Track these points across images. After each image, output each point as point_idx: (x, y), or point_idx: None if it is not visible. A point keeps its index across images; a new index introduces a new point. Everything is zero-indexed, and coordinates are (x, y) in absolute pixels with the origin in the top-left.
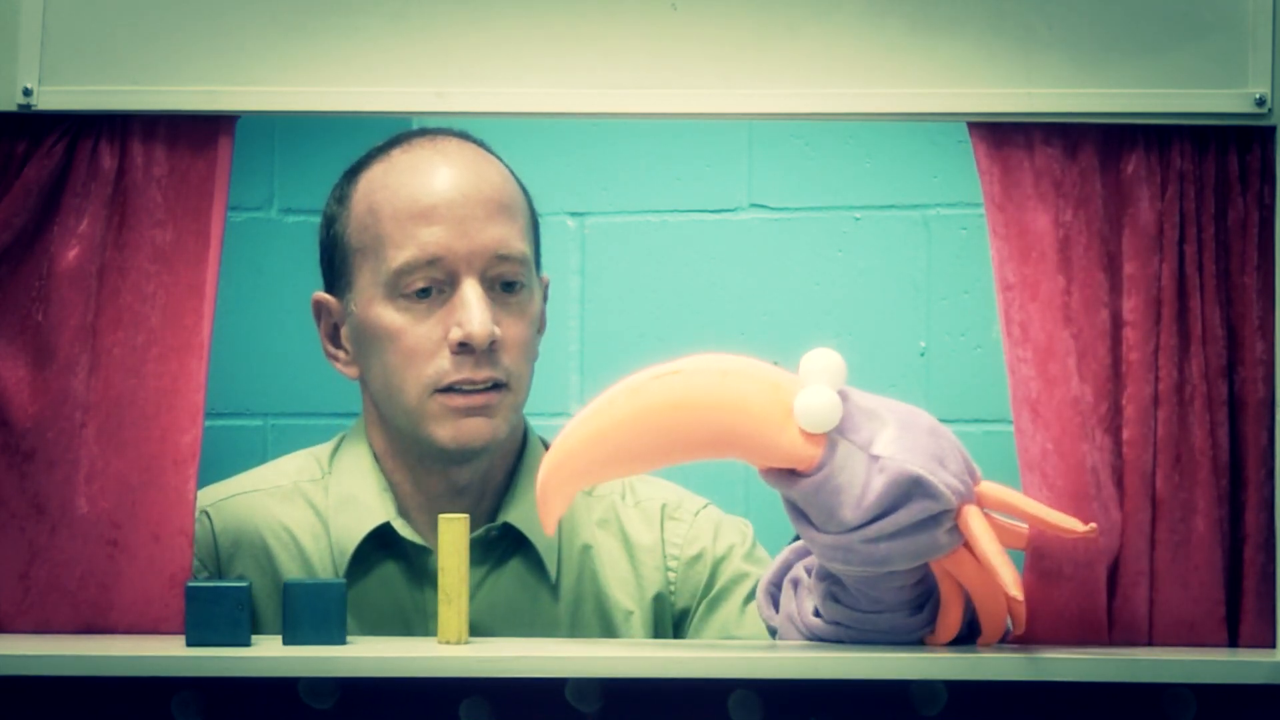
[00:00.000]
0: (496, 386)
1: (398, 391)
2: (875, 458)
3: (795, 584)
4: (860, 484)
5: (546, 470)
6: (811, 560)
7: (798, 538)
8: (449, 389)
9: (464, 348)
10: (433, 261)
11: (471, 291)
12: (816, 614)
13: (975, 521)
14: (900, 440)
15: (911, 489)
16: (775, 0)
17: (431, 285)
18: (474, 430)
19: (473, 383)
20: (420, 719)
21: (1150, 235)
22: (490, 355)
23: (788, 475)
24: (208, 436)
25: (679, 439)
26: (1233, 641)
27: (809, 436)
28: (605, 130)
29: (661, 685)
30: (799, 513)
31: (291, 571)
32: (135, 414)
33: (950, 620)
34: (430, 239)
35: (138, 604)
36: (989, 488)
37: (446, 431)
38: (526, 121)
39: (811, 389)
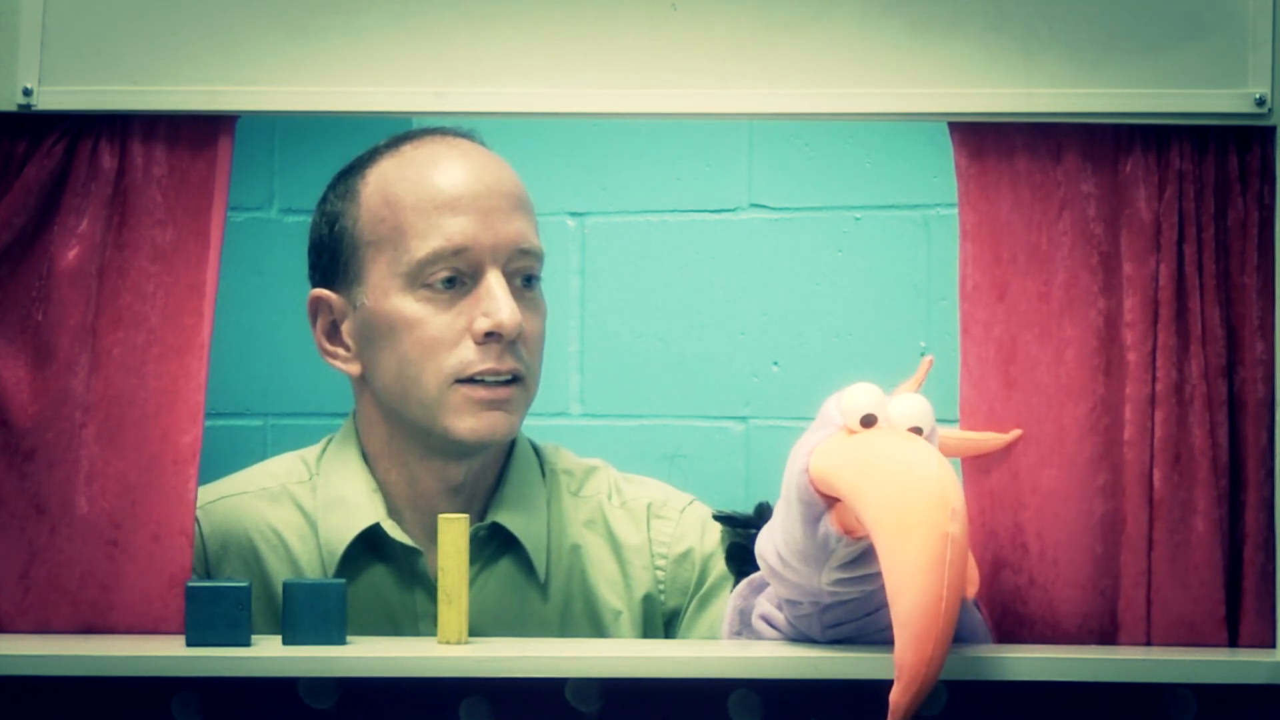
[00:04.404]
0: (515, 380)
1: (413, 383)
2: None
3: (768, 618)
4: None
5: (940, 652)
6: (768, 594)
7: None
8: (471, 380)
9: (491, 337)
10: (458, 251)
11: (497, 282)
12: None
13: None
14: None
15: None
16: (775, 0)
17: (455, 275)
18: (492, 423)
19: (497, 373)
20: (420, 719)
21: (1148, 235)
22: (513, 347)
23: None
24: (208, 436)
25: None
26: (1233, 641)
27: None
28: (605, 130)
29: (661, 685)
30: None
31: (279, 573)
32: (135, 414)
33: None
34: (456, 229)
35: (138, 604)
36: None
37: (466, 423)
38: (526, 121)
39: (903, 397)
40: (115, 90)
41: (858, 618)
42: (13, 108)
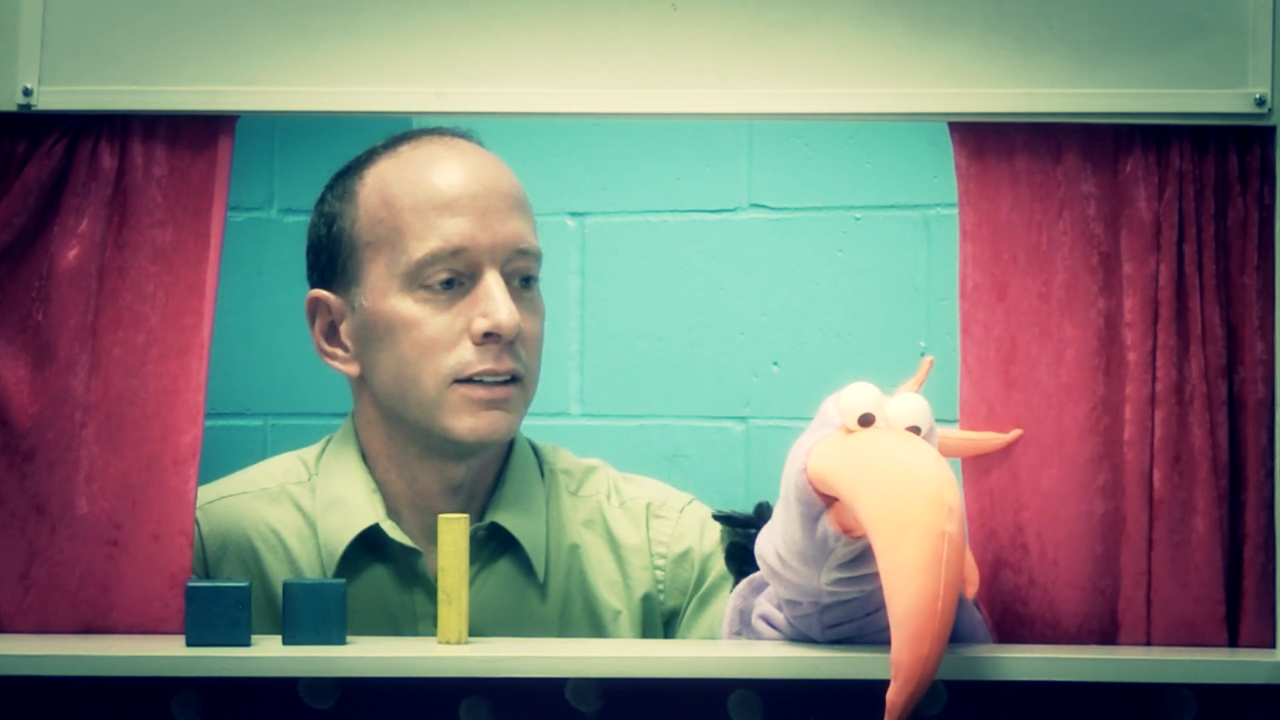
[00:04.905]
0: (514, 380)
1: (412, 383)
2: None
3: (768, 618)
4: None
5: (937, 646)
6: (768, 594)
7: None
8: (470, 380)
9: (489, 338)
10: (456, 252)
11: (495, 283)
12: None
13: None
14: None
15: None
16: (775, 0)
17: (454, 277)
18: (491, 423)
19: (495, 374)
20: (420, 719)
21: (1148, 235)
22: (511, 348)
23: (841, 532)
24: (208, 436)
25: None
26: (1233, 641)
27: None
28: (605, 130)
29: (661, 685)
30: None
31: (278, 574)
32: (135, 414)
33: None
34: (454, 230)
35: (138, 604)
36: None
37: (465, 423)
38: (526, 121)
39: (902, 396)
40: (115, 90)
41: (858, 618)
42: (13, 108)
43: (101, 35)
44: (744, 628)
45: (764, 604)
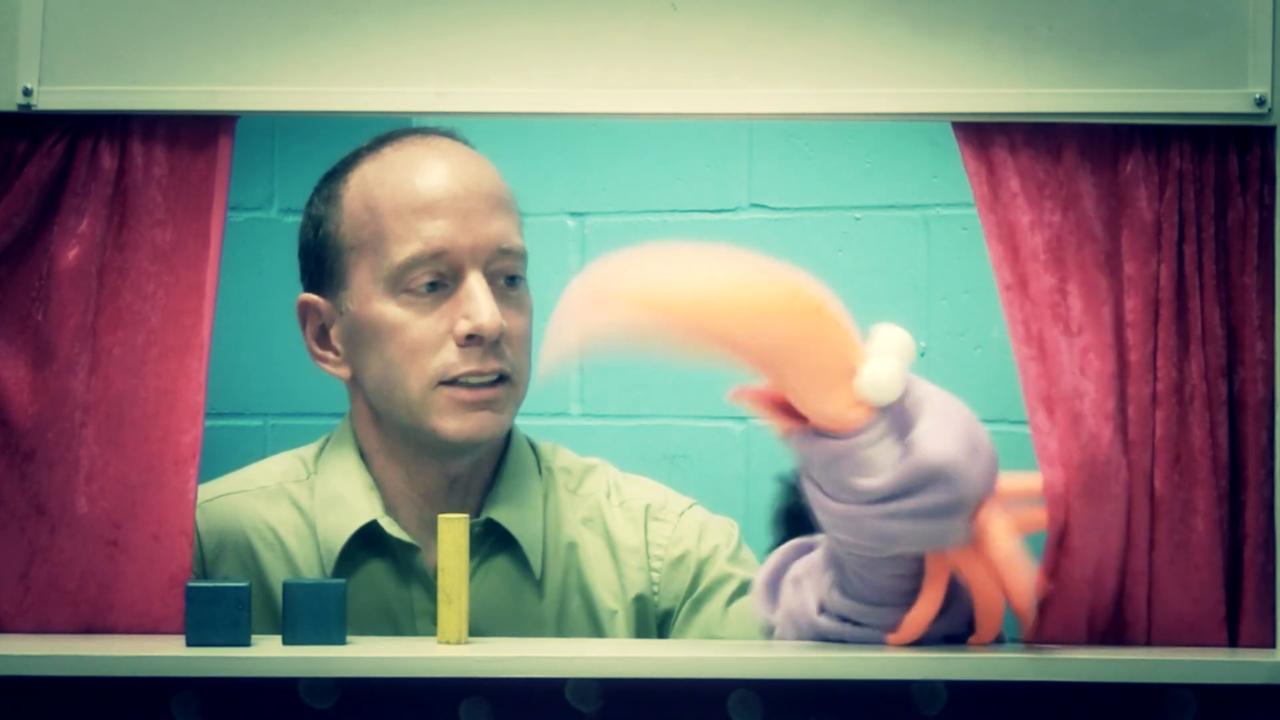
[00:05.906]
0: (501, 380)
1: (398, 386)
2: (908, 441)
3: (797, 583)
4: (886, 462)
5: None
6: (809, 560)
7: (782, 542)
8: (455, 382)
9: (472, 339)
10: (437, 255)
11: (477, 284)
12: (822, 610)
13: (995, 523)
14: (935, 429)
15: (934, 476)
16: (775, 0)
17: (437, 280)
18: (479, 424)
19: (480, 375)
20: (420, 719)
21: (1149, 235)
22: (496, 348)
23: (812, 435)
24: (208, 436)
25: (751, 338)
26: (1233, 641)
27: (856, 404)
28: (605, 130)
29: (661, 685)
30: (811, 476)
31: (277, 572)
32: (135, 414)
33: (920, 616)
34: (435, 233)
35: (138, 604)
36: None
37: (452, 425)
38: (526, 121)
39: (881, 360)
40: (115, 90)
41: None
42: (13, 108)
43: (101, 35)
44: (776, 583)
45: (808, 588)
